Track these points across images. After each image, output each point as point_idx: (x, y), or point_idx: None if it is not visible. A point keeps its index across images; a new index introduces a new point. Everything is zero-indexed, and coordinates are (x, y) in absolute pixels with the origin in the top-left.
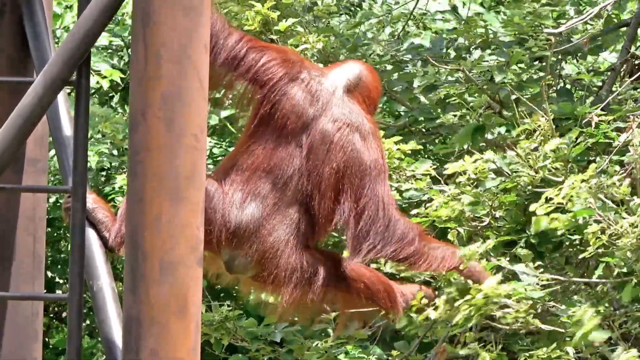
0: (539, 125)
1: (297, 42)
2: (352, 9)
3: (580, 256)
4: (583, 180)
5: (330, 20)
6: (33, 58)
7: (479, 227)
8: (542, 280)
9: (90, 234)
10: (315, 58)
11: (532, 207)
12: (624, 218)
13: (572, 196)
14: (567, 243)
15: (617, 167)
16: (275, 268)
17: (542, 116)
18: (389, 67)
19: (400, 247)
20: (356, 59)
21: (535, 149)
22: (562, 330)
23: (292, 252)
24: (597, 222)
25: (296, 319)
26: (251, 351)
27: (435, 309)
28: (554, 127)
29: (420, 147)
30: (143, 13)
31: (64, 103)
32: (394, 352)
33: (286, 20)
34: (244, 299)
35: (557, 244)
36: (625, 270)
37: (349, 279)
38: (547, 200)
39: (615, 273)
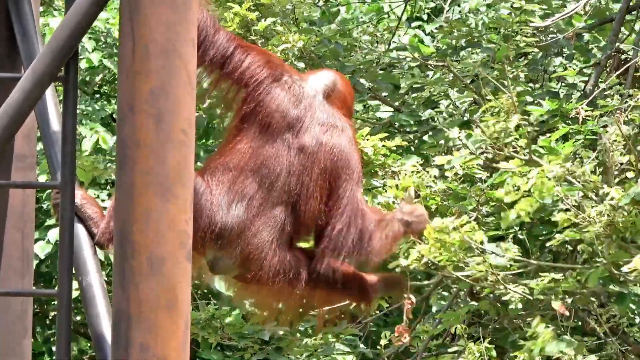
0: (502, 103)
1: (278, 41)
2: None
3: (549, 243)
4: (560, 165)
5: (310, 15)
6: (21, 53)
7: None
8: (510, 261)
9: (79, 229)
10: (296, 57)
11: (497, 194)
12: (592, 207)
13: (539, 184)
14: (554, 240)
15: (591, 154)
16: (259, 269)
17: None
18: (375, 69)
19: (368, 246)
20: (329, 68)
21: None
22: (531, 298)
23: (276, 253)
24: (567, 210)
25: (279, 319)
26: (239, 350)
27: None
28: (516, 104)
29: (406, 143)
30: (130, 7)
31: (52, 98)
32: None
33: (265, 20)
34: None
35: (545, 241)
36: (592, 256)
37: (326, 276)
38: (516, 188)
39: (582, 259)
